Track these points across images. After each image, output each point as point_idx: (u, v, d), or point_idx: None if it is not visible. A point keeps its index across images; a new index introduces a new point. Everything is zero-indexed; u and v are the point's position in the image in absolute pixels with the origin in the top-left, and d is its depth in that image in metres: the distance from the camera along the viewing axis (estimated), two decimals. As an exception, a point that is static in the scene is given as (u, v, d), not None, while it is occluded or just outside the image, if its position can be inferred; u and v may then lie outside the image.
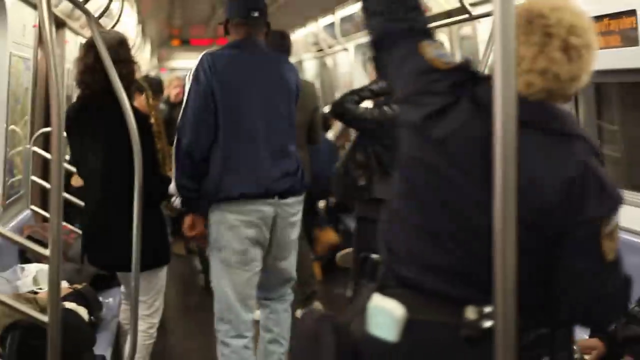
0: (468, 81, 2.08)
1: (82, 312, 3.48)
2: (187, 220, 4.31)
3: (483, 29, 5.71)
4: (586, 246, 1.97)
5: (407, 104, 2.17)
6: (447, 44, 7.10)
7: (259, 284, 4.33)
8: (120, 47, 4.11)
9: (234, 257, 4.17)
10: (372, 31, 2.36)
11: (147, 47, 12.23)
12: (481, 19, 4.92)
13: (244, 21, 4.35)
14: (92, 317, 3.99)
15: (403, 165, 2.16)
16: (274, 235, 4.26)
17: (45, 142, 6.07)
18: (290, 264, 4.46)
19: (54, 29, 2.28)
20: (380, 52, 2.35)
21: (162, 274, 4.39)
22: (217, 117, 4.14)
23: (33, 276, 4.35)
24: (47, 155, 5.75)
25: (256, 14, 4.37)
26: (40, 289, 4.21)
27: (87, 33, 7.04)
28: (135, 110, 4.01)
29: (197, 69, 4.23)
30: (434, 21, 6.06)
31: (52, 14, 2.27)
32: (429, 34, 2.28)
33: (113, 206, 4.12)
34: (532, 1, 2.06)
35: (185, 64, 20.00)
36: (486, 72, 4.21)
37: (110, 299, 4.81)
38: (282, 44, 5.89)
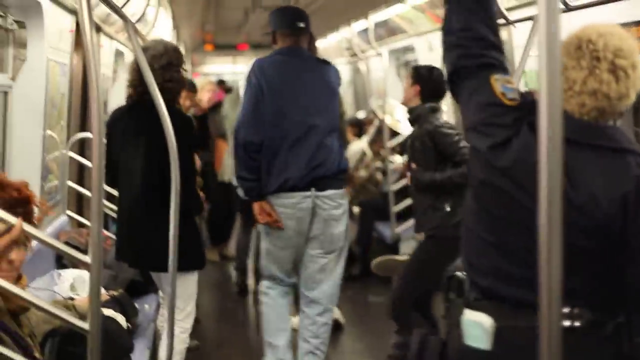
0: (528, 113, 2.22)
1: (120, 319, 3.48)
2: (255, 207, 4.80)
3: (518, 34, 5.66)
4: None
5: (475, 132, 2.37)
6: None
7: (302, 281, 4.94)
8: (174, 52, 4.39)
9: (277, 241, 4.80)
10: (449, 63, 2.52)
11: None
12: (516, 24, 4.87)
13: (289, 31, 4.90)
14: (128, 324, 4.00)
15: (475, 186, 2.37)
16: (314, 227, 4.78)
17: (81, 147, 6.10)
18: (333, 260, 4.87)
19: (94, 35, 2.29)
20: (454, 82, 2.50)
21: (194, 279, 4.42)
22: (266, 115, 4.67)
23: (70, 282, 4.37)
24: (83, 161, 5.78)
25: (301, 25, 4.93)
26: (77, 294, 4.23)
27: (122, 38, 7.09)
28: (181, 113, 4.39)
29: (249, 74, 4.78)
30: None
31: (92, 20, 2.27)
32: (502, 68, 2.42)
33: (148, 205, 4.28)
34: (581, 29, 2.26)
35: (217, 68, 20.09)
36: (521, 76, 4.18)
37: (146, 305, 4.82)
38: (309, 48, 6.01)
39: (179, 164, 3.71)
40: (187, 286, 4.36)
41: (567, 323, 2.12)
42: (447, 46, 2.57)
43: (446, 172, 4.84)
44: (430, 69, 5.22)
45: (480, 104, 2.36)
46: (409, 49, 9.53)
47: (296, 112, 4.72)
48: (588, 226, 2.13)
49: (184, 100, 5.81)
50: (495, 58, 2.43)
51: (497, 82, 2.33)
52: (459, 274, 2.43)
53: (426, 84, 5.14)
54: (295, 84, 4.78)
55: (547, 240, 1.53)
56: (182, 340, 4.40)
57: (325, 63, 5.10)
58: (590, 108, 2.21)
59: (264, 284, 5.03)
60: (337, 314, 5.71)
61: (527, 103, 2.28)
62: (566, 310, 2.11)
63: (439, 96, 5.14)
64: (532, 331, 1.88)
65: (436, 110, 5.08)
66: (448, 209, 4.84)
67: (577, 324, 2.18)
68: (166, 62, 4.30)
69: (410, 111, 5.18)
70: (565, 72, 2.22)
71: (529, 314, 1.98)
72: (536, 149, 1.92)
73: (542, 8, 1.50)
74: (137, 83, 4.23)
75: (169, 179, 3.78)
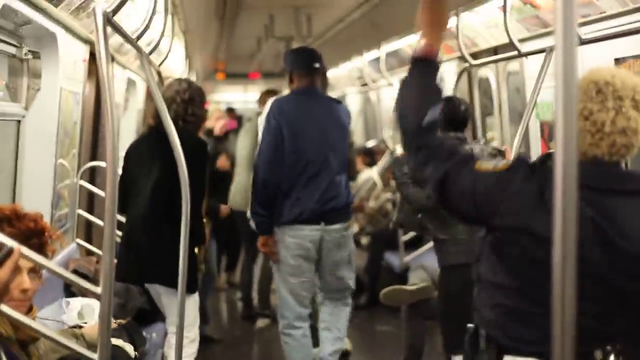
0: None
1: (128, 348, 3.47)
2: (261, 240, 5.21)
3: (530, 65, 5.67)
4: None
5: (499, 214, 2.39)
6: (493, 80, 7.06)
7: (321, 288, 5.40)
8: (197, 90, 4.81)
9: (289, 269, 5.17)
10: (432, 177, 2.53)
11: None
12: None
13: (305, 72, 5.29)
14: (136, 353, 3.99)
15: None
16: (323, 254, 5.20)
17: (91, 175, 6.12)
18: (344, 276, 5.34)
19: (111, 65, 2.30)
20: (445, 190, 2.50)
21: (194, 302, 4.44)
22: (285, 154, 5.05)
23: (78, 310, 4.36)
24: (94, 189, 5.81)
25: (316, 65, 5.34)
26: (85, 322, 4.22)
27: (134, 67, 7.13)
28: (195, 137, 4.67)
29: (268, 115, 5.15)
30: (481, 57, 6.07)
31: (109, 52, 2.28)
32: (474, 157, 2.55)
33: (153, 220, 4.51)
34: (591, 74, 2.33)
35: (229, 97, 20.19)
36: (533, 108, 4.18)
37: (154, 334, 4.81)
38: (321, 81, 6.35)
39: (190, 187, 3.80)
40: (190, 310, 4.37)
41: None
42: (421, 164, 2.59)
43: None
44: (447, 99, 5.12)
45: (486, 192, 2.41)
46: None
47: (312, 151, 5.12)
48: (634, 268, 2.22)
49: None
50: (466, 153, 2.59)
51: (482, 163, 2.45)
52: (470, 326, 2.47)
53: (444, 114, 5.06)
54: (311, 124, 5.17)
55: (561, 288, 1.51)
56: None
57: (337, 102, 5.56)
58: (619, 146, 2.28)
59: (285, 325, 5.28)
60: (345, 342, 5.74)
61: (521, 159, 2.44)
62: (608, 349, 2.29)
63: (459, 125, 5.04)
64: None
65: (462, 140, 4.98)
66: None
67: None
68: (189, 97, 4.66)
69: None
70: (591, 116, 2.28)
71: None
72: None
73: (559, 40, 1.50)
74: (157, 113, 4.30)
75: (176, 199, 3.93)
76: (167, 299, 4.51)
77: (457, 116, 5.02)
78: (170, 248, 4.12)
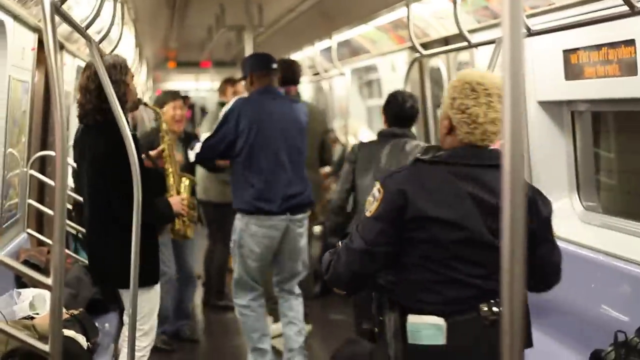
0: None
1: (80, 339, 3.45)
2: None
3: (480, 56, 5.73)
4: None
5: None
6: (444, 70, 7.12)
7: (276, 281, 5.84)
8: (113, 69, 4.25)
9: (251, 255, 5.56)
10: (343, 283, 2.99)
11: (144, 70, 12.23)
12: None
13: (265, 72, 5.67)
14: (89, 343, 3.96)
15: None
16: (285, 242, 5.61)
17: (41, 165, 6.05)
18: (297, 263, 5.77)
19: (59, 54, 2.28)
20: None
21: (151, 296, 4.34)
22: (244, 150, 5.43)
23: (29, 301, 4.32)
24: (44, 179, 5.75)
25: (275, 66, 5.76)
26: (37, 314, 4.18)
27: (84, 55, 7.05)
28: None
29: (230, 112, 5.54)
30: (432, 47, 6.12)
31: (57, 40, 2.27)
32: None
33: (97, 225, 4.32)
34: (464, 76, 2.87)
35: (180, 85, 20.04)
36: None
37: (107, 324, 4.78)
38: (293, 72, 6.89)
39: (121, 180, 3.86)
40: (146, 303, 4.30)
41: (494, 317, 2.78)
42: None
43: None
44: (393, 94, 5.24)
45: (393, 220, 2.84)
46: (371, 69, 9.60)
47: (272, 148, 5.48)
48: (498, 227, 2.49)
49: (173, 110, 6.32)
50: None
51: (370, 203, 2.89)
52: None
53: (389, 109, 5.18)
54: (272, 122, 5.54)
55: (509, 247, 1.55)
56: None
57: (295, 102, 5.96)
58: (489, 134, 2.82)
59: (237, 300, 5.73)
60: (306, 327, 6.15)
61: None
62: (492, 302, 2.81)
63: (404, 122, 5.13)
64: (474, 322, 2.79)
65: (407, 137, 5.09)
66: None
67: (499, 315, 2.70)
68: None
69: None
70: (467, 110, 2.81)
71: (470, 310, 2.79)
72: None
73: (506, 31, 1.53)
74: (83, 101, 4.24)
75: (112, 199, 4.03)
76: (124, 291, 4.43)
77: (402, 113, 5.10)
78: (118, 250, 4.06)
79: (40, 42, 5.31)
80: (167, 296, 6.25)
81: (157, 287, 4.38)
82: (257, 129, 5.47)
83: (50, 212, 5.71)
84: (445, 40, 6.37)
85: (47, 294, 4.43)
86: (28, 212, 5.54)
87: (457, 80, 2.87)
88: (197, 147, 5.73)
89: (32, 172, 5.51)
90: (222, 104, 8.17)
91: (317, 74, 10.69)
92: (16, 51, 4.78)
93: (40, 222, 6.31)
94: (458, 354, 2.79)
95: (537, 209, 2.92)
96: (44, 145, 6.31)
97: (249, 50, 7.86)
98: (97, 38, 4.34)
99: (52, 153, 5.81)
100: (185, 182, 5.28)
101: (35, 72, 5.52)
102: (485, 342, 2.75)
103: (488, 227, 2.79)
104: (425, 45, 5.75)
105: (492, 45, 4.13)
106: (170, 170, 5.10)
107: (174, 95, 6.40)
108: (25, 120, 5.27)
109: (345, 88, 9.50)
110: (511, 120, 1.54)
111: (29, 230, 5.56)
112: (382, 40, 7.80)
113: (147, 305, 4.31)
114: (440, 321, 2.78)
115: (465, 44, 4.53)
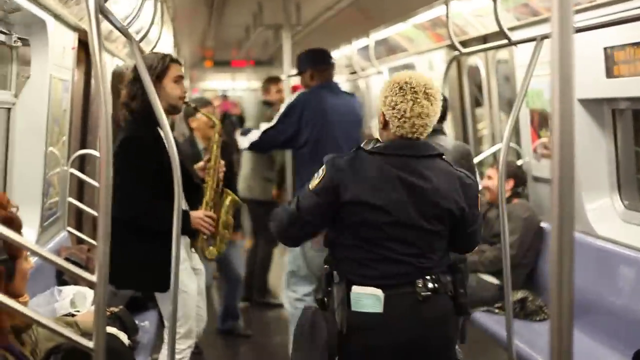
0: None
1: (122, 336, 3.47)
2: None
3: (520, 53, 5.68)
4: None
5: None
6: (482, 69, 7.07)
7: None
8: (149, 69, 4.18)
9: (314, 244, 5.18)
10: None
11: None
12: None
13: (325, 67, 5.90)
14: (130, 341, 3.99)
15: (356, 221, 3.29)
16: None
17: (81, 163, 6.11)
18: None
19: (104, 54, 2.29)
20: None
21: (186, 298, 4.32)
22: (309, 141, 5.57)
23: (70, 299, 4.36)
24: (84, 177, 5.79)
25: (333, 61, 6.03)
26: (78, 311, 4.22)
27: (122, 54, 7.11)
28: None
29: (293, 106, 5.70)
30: (471, 46, 6.08)
31: (101, 40, 2.28)
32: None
33: (114, 228, 4.21)
34: (394, 78, 3.24)
35: (216, 85, 20.14)
36: (524, 96, 4.19)
37: (147, 322, 4.81)
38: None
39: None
40: (179, 306, 4.29)
41: (427, 293, 3.18)
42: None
43: None
44: None
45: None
46: (409, 67, 9.55)
47: (331, 143, 5.49)
48: (440, 213, 3.21)
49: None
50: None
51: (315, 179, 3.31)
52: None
53: None
54: (334, 116, 5.66)
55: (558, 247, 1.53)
56: None
57: (352, 95, 6.20)
58: (418, 126, 3.19)
59: (295, 295, 5.72)
60: None
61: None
62: (427, 278, 3.20)
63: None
64: (409, 296, 3.17)
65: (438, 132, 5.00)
66: None
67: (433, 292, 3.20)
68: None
69: None
70: (396, 106, 3.17)
71: (407, 285, 3.18)
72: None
73: (555, 28, 1.51)
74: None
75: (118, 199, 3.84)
76: (161, 297, 4.43)
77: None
78: (118, 250, 3.98)
79: (80, 41, 5.36)
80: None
81: (192, 290, 4.37)
82: (322, 122, 5.61)
83: (90, 210, 5.76)
84: (484, 39, 6.33)
85: (87, 291, 4.47)
86: (68, 210, 5.59)
87: (389, 81, 3.27)
88: (254, 135, 5.85)
89: (73, 170, 5.56)
90: (266, 103, 8.21)
91: (354, 72, 10.69)
92: (57, 50, 4.83)
93: (79, 220, 6.36)
94: (392, 322, 3.17)
95: (466, 189, 3.30)
96: (84, 144, 6.37)
97: (286, 49, 7.86)
98: (137, 37, 4.37)
99: (92, 152, 5.85)
100: (226, 200, 4.75)
101: (76, 71, 5.57)
102: (419, 313, 3.19)
103: (420, 211, 3.19)
104: (463, 44, 5.71)
105: (533, 43, 4.08)
106: (210, 184, 4.65)
107: (205, 102, 6.35)
108: (65, 120, 5.32)
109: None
110: (560, 120, 1.52)
111: (69, 228, 5.60)
112: (420, 38, 7.77)
113: (180, 309, 4.28)
114: (378, 292, 3.16)
115: (505, 41, 4.49)
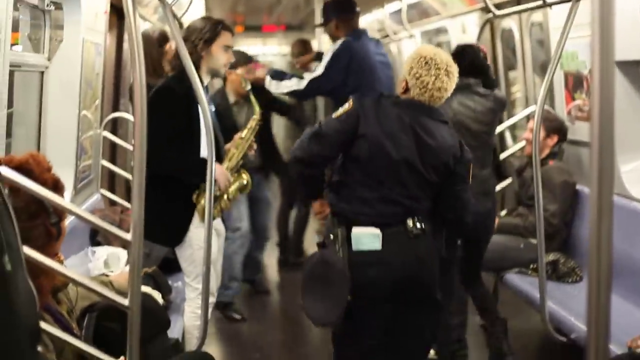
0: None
1: (156, 295, 3.51)
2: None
3: (555, 16, 5.61)
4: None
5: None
6: (516, 32, 7.00)
7: None
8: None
9: None
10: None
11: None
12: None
13: (352, 16, 5.91)
14: (163, 300, 4.04)
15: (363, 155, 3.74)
16: None
17: (113, 126, 6.14)
18: None
19: (138, 17, 2.30)
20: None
21: (191, 251, 4.44)
22: (358, 88, 5.27)
23: (104, 259, 4.41)
24: (118, 140, 5.83)
25: (358, 10, 5.98)
26: (112, 271, 4.27)
27: (153, 19, 7.12)
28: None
29: (338, 53, 5.66)
30: (504, 8, 6.01)
31: (135, 2, 2.29)
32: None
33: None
34: (420, 51, 3.72)
35: (247, 49, 20.11)
36: (558, 59, 4.15)
37: (179, 282, 4.85)
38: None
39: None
40: (196, 263, 4.38)
41: (417, 232, 3.64)
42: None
43: None
44: (463, 47, 5.08)
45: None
46: (441, 31, 9.48)
47: (373, 89, 5.33)
48: (438, 165, 3.66)
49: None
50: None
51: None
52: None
53: (465, 58, 4.96)
54: (375, 63, 5.77)
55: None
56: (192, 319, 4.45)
57: (378, 42, 6.21)
58: (435, 98, 3.68)
59: None
60: None
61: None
62: (416, 218, 3.65)
63: (478, 72, 4.97)
64: (402, 233, 3.62)
65: (476, 85, 4.94)
66: None
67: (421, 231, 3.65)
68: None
69: None
70: (420, 78, 3.64)
71: (399, 223, 3.62)
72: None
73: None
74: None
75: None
76: (177, 250, 4.53)
77: (478, 62, 4.95)
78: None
79: (112, 5, 5.37)
80: (240, 250, 6.37)
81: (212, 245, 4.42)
82: (366, 68, 5.68)
83: (123, 172, 5.81)
84: (518, 1, 6.25)
85: (121, 252, 4.52)
86: (101, 173, 5.63)
87: (415, 53, 3.72)
88: (293, 82, 5.78)
89: (106, 133, 5.59)
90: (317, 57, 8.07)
91: (386, 36, 10.61)
92: (89, 14, 4.84)
93: (112, 183, 6.42)
94: (390, 257, 3.59)
95: (462, 153, 3.72)
96: (116, 108, 6.40)
97: (318, 13, 7.82)
98: (169, 1, 4.37)
99: (125, 115, 5.88)
100: (242, 178, 4.76)
101: (108, 35, 5.59)
102: (412, 249, 3.64)
103: (422, 159, 3.63)
104: (497, 6, 5.65)
105: (568, 5, 4.03)
106: (236, 154, 4.69)
107: (246, 58, 6.35)
108: (98, 83, 5.34)
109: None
110: (600, 84, 1.50)
111: (102, 191, 5.65)
112: (452, 1, 7.69)
113: (197, 267, 4.35)
114: (376, 231, 3.60)
115: (539, 2, 4.43)
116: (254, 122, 4.79)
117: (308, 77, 5.79)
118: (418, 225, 3.65)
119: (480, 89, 4.90)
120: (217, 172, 4.34)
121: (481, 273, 5.20)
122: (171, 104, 4.26)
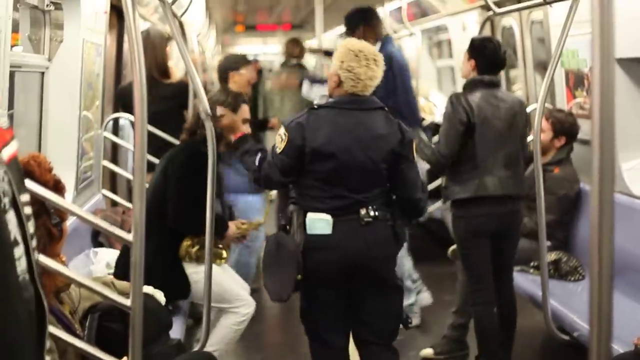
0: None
1: (159, 295, 3.50)
2: None
3: (555, 13, 5.60)
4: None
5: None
6: (516, 30, 6.99)
7: None
8: None
9: None
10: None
11: (213, 34, 12.28)
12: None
13: (377, 22, 6.26)
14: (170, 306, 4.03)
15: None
16: None
17: (114, 127, 6.14)
18: None
19: (137, 17, 2.30)
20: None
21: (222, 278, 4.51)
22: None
23: (107, 261, 4.40)
24: (118, 141, 5.83)
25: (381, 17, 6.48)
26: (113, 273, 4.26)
27: (153, 19, 7.12)
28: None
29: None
30: (504, 6, 6.00)
31: (135, 2, 2.28)
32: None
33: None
34: (347, 44, 3.97)
35: (248, 49, 20.10)
36: (558, 57, 4.14)
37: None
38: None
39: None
40: (219, 297, 4.46)
41: (369, 219, 3.86)
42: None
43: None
44: (483, 41, 4.89)
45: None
46: (441, 29, 9.48)
47: (403, 92, 5.97)
48: (384, 154, 3.88)
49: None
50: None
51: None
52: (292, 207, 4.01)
53: (484, 55, 4.81)
54: (407, 63, 6.32)
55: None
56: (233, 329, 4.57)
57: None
58: (367, 87, 3.90)
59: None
60: None
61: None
62: (370, 207, 3.88)
63: (497, 69, 4.83)
64: (353, 221, 3.84)
65: (495, 84, 4.83)
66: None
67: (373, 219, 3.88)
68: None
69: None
70: (352, 70, 3.85)
71: (352, 212, 3.85)
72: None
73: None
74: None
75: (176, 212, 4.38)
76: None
77: (497, 59, 4.78)
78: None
79: (112, 6, 5.37)
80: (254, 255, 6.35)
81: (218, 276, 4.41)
82: (406, 69, 6.20)
83: (124, 173, 5.81)
84: (518, -1, 6.24)
85: (123, 253, 4.51)
86: (102, 173, 5.62)
87: (344, 47, 3.94)
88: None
89: (107, 134, 5.59)
90: (327, 53, 8.01)
91: (386, 35, 10.59)
92: (89, 14, 4.84)
93: (113, 183, 6.41)
94: (339, 241, 3.85)
95: (403, 134, 3.93)
96: (116, 108, 6.40)
97: (319, 13, 7.81)
98: (169, 0, 4.36)
99: (125, 115, 5.88)
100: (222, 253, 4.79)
101: (108, 35, 5.59)
102: (361, 235, 3.86)
103: (365, 154, 3.85)
104: (497, 4, 5.64)
105: (568, 2, 4.02)
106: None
107: (246, 60, 6.36)
108: (98, 84, 5.34)
109: (415, 49, 9.40)
110: (601, 81, 1.49)
111: (104, 191, 5.65)
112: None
113: (224, 296, 4.51)
114: (328, 217, 3.86)
115: (540, 0, 4.43)
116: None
117: None
118: (372, 213, 3.88)
119: (501, 88, 4.83)
120: (230, 232, 4.65)
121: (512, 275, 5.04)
122: (203, 168, 4.24)
